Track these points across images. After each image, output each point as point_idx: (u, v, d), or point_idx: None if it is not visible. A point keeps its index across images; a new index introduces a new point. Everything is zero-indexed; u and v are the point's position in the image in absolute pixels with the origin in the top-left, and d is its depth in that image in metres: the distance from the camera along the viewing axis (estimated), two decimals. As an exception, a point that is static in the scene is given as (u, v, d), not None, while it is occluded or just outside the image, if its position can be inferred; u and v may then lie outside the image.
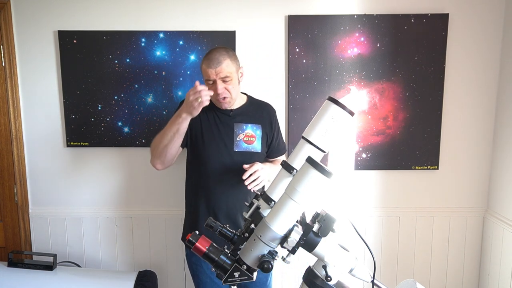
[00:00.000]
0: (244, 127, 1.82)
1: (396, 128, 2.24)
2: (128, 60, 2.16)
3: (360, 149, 2.26)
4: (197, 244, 1.15)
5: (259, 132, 1.84)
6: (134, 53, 2.15)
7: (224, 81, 1.70)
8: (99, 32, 2.14)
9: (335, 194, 2.30)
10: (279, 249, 1.12)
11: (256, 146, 1.83)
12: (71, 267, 2.26)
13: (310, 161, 1.05)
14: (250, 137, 1.82)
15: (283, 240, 1.08)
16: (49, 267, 2.08)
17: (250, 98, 1.92)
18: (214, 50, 1.73)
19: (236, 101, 1.82)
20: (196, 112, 1.66)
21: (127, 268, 2.37)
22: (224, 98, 1.73)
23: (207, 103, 1.64)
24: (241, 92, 1.89)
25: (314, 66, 2.17)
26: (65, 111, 2.21)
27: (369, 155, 2.26)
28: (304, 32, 2.15)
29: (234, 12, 2.15)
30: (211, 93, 1.67)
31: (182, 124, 1.68)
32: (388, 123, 2.24)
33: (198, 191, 1.84)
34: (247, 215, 1.29)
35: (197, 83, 1.64)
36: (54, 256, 2.11)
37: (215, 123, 1.81)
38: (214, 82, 1.70)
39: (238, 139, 1.81)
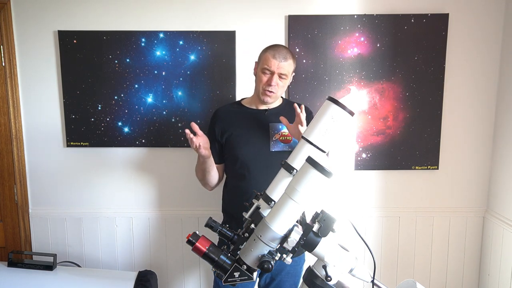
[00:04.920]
0: (280, 126, 1.80)
1: (396, 128, 2.24)
2: (128, 60, 2.16)
3: (360, 149, 2.26)
4: (197, 244, 1.15)
5: None
6: (134, 53, 2.15)
7: (279, 77, 1.72)
8: (99, 32, 2.14)
9: (335, 194, 2.30)
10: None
11: (293, 145, 1.78)
12: (71, 267, 2.26)
13: (310, 161, 1.05)
14: (286, 136, 1.79)
15: (283, 240, 1.08)
16: (49, 267, 2.07)
17: (285, 100, 1.92)
18: (281, 46, 1.77)
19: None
20: (205, 154, 1.70)
21: (127, 268, 2.37)
22: (271, 92, 1.74)
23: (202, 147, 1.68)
24: None
25: (314, 66, 2.17)
26: (65, 111, 2.21)
27: (369, 155, 2.26)
28: (304, 32, 2.15)
29: (234, 12, 2.15)
30: (202, 140, 1.68)
31: (204, 164, 1.80)
32: (388, 123, 2.24)
33: (237, 193, 1.81)
34: (247, 215, 1.29)
35: (187, 131, 1.64)
36: (54, 256, 2.10)
37: (250, 124, 1.81)
38: (272, 73, 1.71)
39: (274, 139, 1.79)
